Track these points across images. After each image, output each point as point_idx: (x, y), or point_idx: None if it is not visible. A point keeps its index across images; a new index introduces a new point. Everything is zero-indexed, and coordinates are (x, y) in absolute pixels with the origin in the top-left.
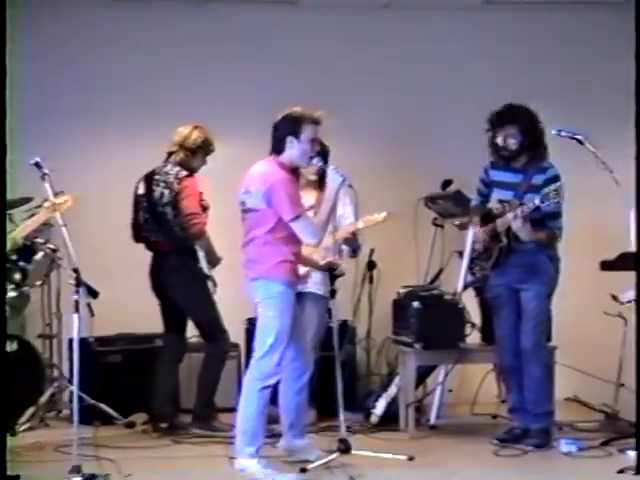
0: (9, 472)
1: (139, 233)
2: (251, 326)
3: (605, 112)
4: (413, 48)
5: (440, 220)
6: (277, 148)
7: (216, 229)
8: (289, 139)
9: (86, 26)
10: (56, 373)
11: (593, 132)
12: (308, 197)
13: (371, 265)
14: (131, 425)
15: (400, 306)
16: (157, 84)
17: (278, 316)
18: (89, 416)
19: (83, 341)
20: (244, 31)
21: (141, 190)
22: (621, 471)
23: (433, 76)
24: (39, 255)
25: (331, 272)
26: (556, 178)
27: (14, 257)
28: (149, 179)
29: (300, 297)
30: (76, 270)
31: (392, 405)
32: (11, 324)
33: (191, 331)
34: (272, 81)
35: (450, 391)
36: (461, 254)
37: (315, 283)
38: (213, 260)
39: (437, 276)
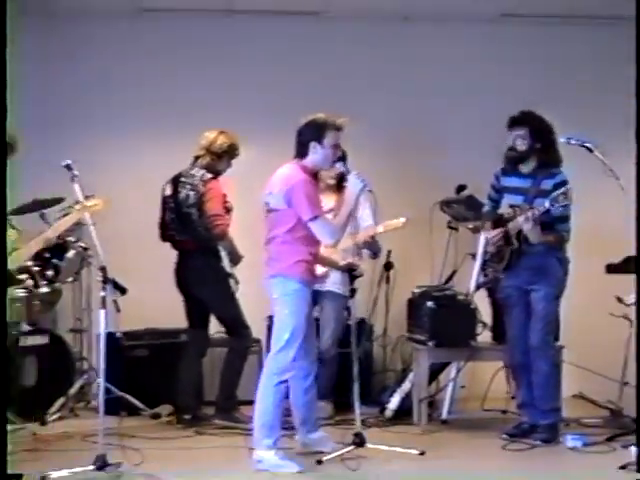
0: (32, 462)
1: (166, 232)
2: (272, 323)
3: (619, 120)
4: (431, 59)
5: (454, 223)
6: (301, 153)
7: (239, 229)
8: (312, 144)
9: (115, 34)
10: (85, 366)
11: (604, 140)
12: (327, 200)
13: (388, 266)
14: (156, 416)
15: (414, 305)
16: (184, 91)
17: (294, 313)
18: (116, 407)
19: (111, 335)
20: (268, 41)
21: (168, 191)
22: (623, 467)
23: (450, 87)
24: (71, 253)
25: (350, 272)
26: (564, 183)
27: (47, 255)
28: (176, 181)
29: (319, 295)
30: (103, 268)
31: (406, 400)
32: (43, 318)
33: (215, 327)
34: (295, 89)
35: (463, 387)
36: (474, 256)
37: (334, 282)
38: (235, 259)
39: (451, 277)
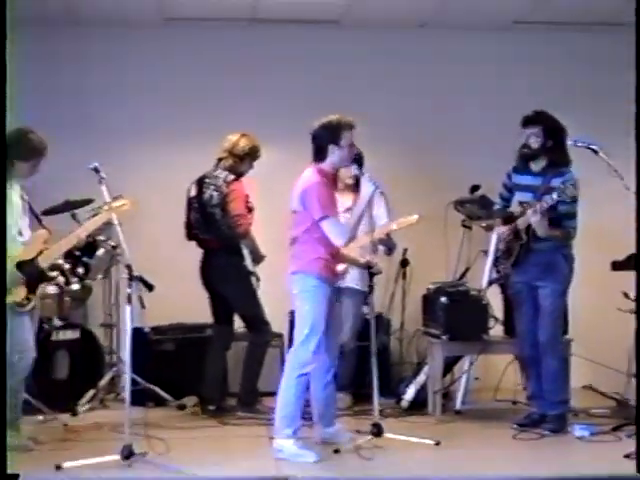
0: (62, 452)
1: (191, 232)
2: (293, 318)
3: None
4: (446, 63)
5: (468, 222)
6: (320, 156)
7: (261, 228)
8: (331, 147)
9: (144, 43)
10: (115, 359)
11: (613, 141)
12: (345, 200)
13: (404, 263)
14: (182, 407)
15: (429, 301)
16: (209, 97)
17: (313, 308)
18: (144, 398)
19: (140, 330)
20: (288, 48)
21: (193, 192)
22: (627, 456)
23: (464, 91)
24: (101, 251)
25: (369, 269)
26: (572, 179)
27: (78, 253)
28: (200, 182)
29: (338, 292)
30: (129, 266)
31: (421, 391)
32: (75, 314)
33: (238, 322)
34: (314, 93)
35: (477, 379)
36: (487, 253)
37: (353, 279)
38: (257, 258)
39: (465, 273)
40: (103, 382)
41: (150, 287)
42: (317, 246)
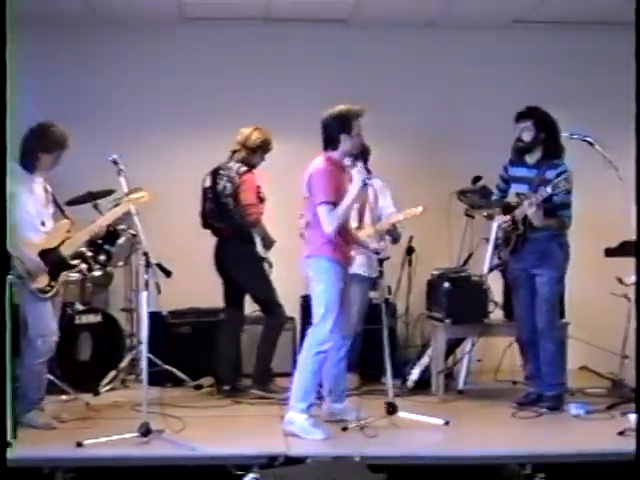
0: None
1: (206, 220)
2: (305, 302)
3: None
4: (451, 59)
5: (471, 211)
6: (332, 146)
7: (272, 217)
8: (342, 137)
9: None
10: (135, 342)
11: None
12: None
13: (410, 250)
14: (198, 387)
15: (433, 286)
16: (225, 92)
17: (327, 289)
18: (161, 379)
19: (158, 314)
20: (300, 45)
21: (207, 183)
22: (621, 432)
23: (468, 87)
24: (121, 239)
25: (377, 254)
26: (565, 172)
27: (100, 241)
28: (215, 173)
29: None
30: (146, 254)
31: (425, 372)
32: (97, 299)
33: (251, 306)
34: (325, 89)
35: (479, 361)
36: (488, 241)
37: (360, 265)
38: (268, 244)
39: (467, 260)
40: (124, 364)
41: (168, 273)
42: None
